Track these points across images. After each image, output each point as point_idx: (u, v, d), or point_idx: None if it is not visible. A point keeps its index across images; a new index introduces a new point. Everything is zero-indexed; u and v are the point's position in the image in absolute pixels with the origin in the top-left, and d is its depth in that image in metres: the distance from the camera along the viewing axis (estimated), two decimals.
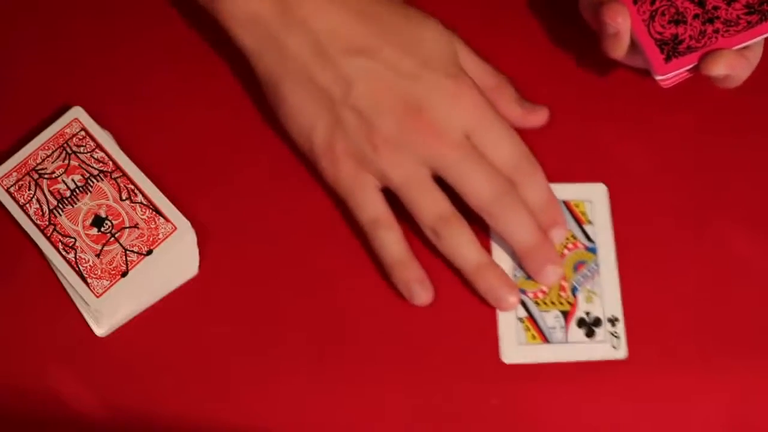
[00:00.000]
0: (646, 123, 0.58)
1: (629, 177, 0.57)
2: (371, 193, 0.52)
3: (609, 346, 0.53)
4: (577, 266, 0.54)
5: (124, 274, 0.51)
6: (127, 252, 0.51)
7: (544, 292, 0.54)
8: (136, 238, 0.51)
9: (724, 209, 0.57)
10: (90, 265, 0.51)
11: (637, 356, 0.53)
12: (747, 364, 0.54)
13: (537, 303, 0.54)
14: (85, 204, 0.52)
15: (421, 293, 0.52)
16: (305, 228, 0.54)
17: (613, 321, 0.54)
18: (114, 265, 0.51)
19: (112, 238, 0.51)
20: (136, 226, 0.51)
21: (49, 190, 0.52)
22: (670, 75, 0.52)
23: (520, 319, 0.53)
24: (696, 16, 0.52)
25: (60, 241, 0.51)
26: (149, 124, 0.55)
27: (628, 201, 0.56)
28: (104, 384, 0.51)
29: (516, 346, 0.53)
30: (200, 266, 0.53)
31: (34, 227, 0.51)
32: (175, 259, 0.52)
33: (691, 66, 0.52)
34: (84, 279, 0.50)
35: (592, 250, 0.55)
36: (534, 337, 0.53)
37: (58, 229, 0.51)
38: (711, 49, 0.51)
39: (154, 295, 0.52)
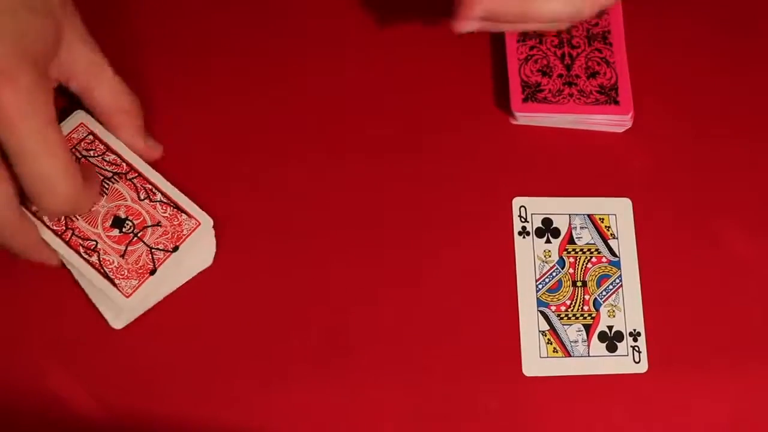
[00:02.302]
0: (671, 138, 0.59)
1: (650, 191, 0.57)
2: None
3: (630, 360, 0.53)
4: (601, 281, 0.55)
5: (152, 272, 0.51)
6: (153, 250, 0.51)
7: (566, 305, 0.54)
8: (161, 235, 0.51)
9: (742, 223, 0.57)
10: (115, 266, 0.50)
11: (657, 369, 0.54)
12: None
13: (559, 316, 0.54)
14: (103, 206, 0.52)
15: None
16: (316, 223, 0.55)
17: (635, 335, 0.54)
18: (141, 264, 0.51)
19: (135, 238, 0.51)
20: (158, 224, 0.52)
21: None
22: (522, 114, 0.57)
23: (542, 333, 0.53)
24: (560, 75, 0.57)
25: (81, 245, 0.51)
26: (156, 122, 0.55)
27: (648, 215, 0.57)
28: (104, 384, 0.51)
29: (537, 359, 0.53)
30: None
31: (50, 233, 0.51)
32: (197, 252, 0.52)
33: (543, 115, 0.57)
34: (111, 280, 0.50)
35: (616, 265, 0.55)
36: (556, 351, 0.53)
37: (77, 233, 0.51)
38: (562, 108, 0.57)
39: (172, 286, 0.53)
